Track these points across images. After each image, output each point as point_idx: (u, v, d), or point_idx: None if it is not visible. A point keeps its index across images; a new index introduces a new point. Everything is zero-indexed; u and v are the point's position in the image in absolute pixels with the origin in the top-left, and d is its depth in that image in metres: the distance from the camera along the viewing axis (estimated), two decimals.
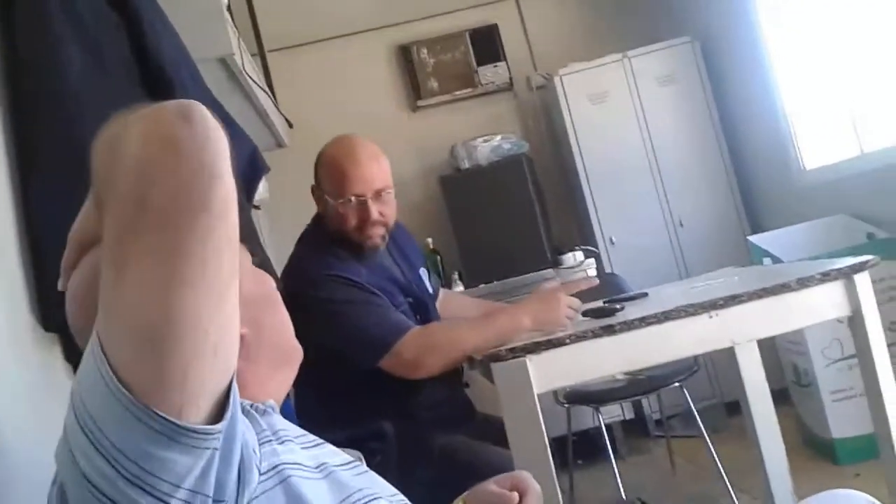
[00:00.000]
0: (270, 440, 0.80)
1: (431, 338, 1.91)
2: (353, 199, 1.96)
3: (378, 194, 1.98)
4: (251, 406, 0.83)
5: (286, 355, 0.96)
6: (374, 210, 1.97)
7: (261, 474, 0.74)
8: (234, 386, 0.70)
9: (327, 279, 1.94)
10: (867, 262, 1.84)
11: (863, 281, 1.83)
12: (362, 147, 2.01)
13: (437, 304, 2.26)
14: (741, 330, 1.88)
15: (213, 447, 0.66)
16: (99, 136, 0.73)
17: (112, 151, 0.68)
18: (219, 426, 0.66)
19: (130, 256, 0.64)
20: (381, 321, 1.91)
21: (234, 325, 0.69)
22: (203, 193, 0.64)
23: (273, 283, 1.00)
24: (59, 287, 0.85)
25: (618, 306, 1.97)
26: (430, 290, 2.23)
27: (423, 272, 2.23)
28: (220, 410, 0.68)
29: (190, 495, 0.65)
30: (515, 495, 1.02)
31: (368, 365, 1.90)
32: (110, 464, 0.64)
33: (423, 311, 2.11)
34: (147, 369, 0.64)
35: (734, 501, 2.77)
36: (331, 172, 2.00)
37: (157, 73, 1.49)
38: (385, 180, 2.00)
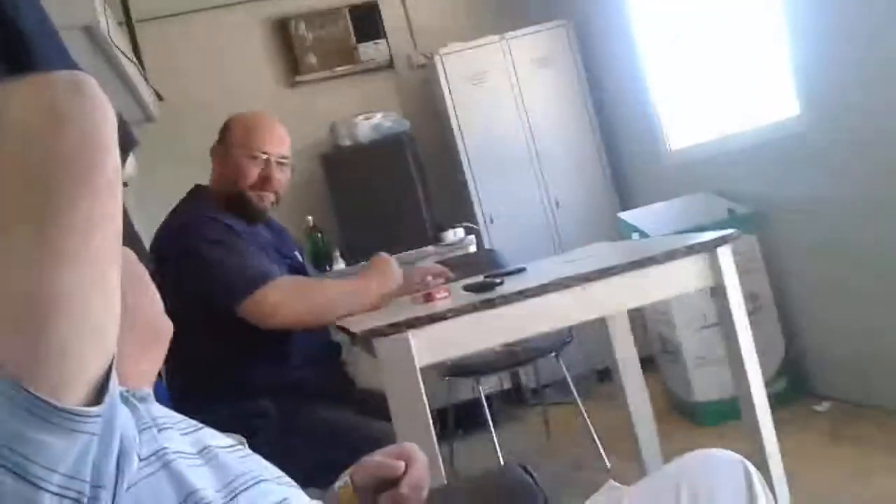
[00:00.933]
0: (150, 426, 0.78)
1: (292, 288, 1.96)
2: (260, 154, 2.06)
3: (281, 160, 2.09)
4: (128, 392, 0.80)
5: (155, 332, 0.93)
6: (276, 170, 2.08)
7: (140, 460, 0.72)
8: (114, 371, 0.67)
9: (202, 223, 1.98)
10: (728, 235, 1.94)
11: (725, 254, 1.93)
12: (271, 116, 2.18)
13: None
14: (612, 301, 1.96)
15: (91, 432, 0.64)
16: None
17: None
18: (97, 409, 0.64)
19: (6, 228, 0.61)
20: (249, 265, 1.94)
21: (115, 306, 0.67)
22: (88, 166, 0.63)
23: (137, 259, 0.97)
24: None
25: (497, 281, 2.02)
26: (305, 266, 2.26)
27: (297, 253, 2.28)
28: (97, 395, 0.65)
29: (66, 480, 0.63)
30: (402, 463, 1.04)
31: (230, 304, 1.89)
32: None
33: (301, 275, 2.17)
34: (23, 346, 0.61)
35: (606, 463, 2.91)
36: (245, 127, 2.11)
37: (18, 45, 1.40)
38: (288, 150, 2.13)
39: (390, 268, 2.10)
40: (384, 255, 2.14)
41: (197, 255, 1.91)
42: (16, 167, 0.62)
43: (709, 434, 3.05)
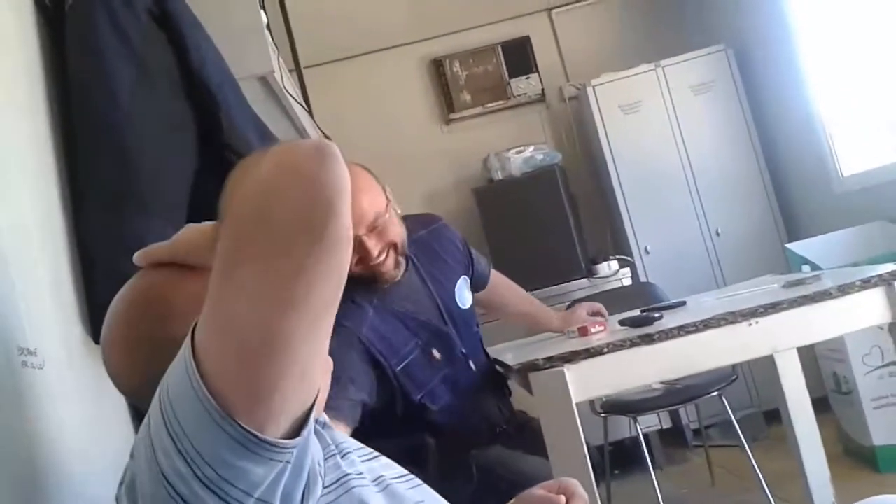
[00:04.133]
0: (334, 454, 0.83)
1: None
2: None
3: (371, 228, 1.86)
4: (315, 420, 0.85)
5: (328, 362, 0.99)
6: (373, 246, 1.86)
7: (324, 487, 0.76)
8: (316, 407, 0.72)
9: None
10: None
11: None
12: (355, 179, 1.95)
13: (487, 291, 2.22)
14: (781, 338, 1.88)
15: (287, 460, 0.69)
16: (235, 174, 0.77)
17: (243, 176, 0.71)
18: (295, 441, 0.69)
19: (240, 267, 0.67)
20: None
21: (322, 352, 0.71)
22: (320, 224, 0.67)
23: None
24: (135, 260, 0.88)
25: (656, 315, 1.98)
26: (466, 304, 2.12)
27: (461, 283, 2.14)
28: (297, 428, 0.70)
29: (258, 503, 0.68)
30: (562, 498, 1.04)
31: None
32: (189, 465, 0.67)
33: (444, 343, 2.01)
34: (237, 382, 0.66)
35: None
36: None
37: (203, 92, 1.53)
38: (375, 209, 1.86)
39: None
40: None
41: None
42: (256, 215, 0.67)
43: (887, 481, 2.83)
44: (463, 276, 2.16)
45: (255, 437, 0.66)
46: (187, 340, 0.70)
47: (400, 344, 1.93)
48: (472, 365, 2.05)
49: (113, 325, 0.87)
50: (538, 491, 1.07)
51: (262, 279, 0.66)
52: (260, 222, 0.67)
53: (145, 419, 0.73)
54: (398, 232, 1.92)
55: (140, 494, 0.72)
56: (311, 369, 0.70)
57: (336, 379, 1.76)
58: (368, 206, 1.86)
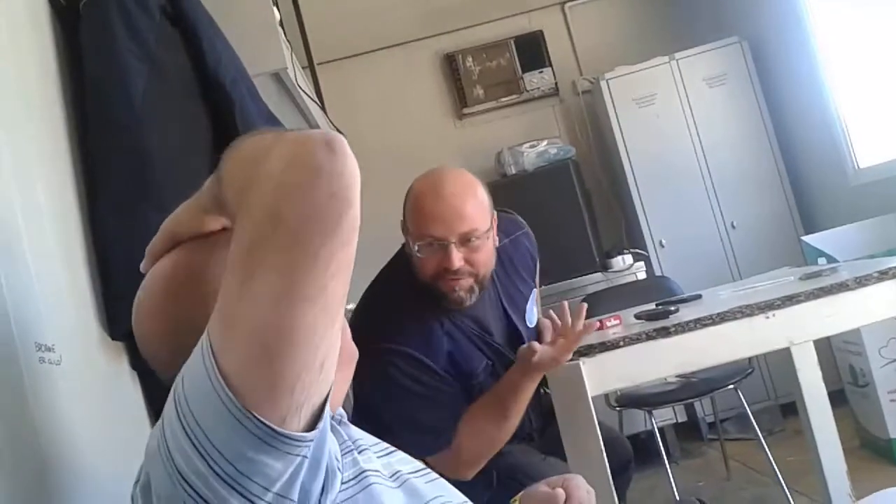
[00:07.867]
0: (351, 450, 0.83)
1: (468, 447, 1.74)
2: (433, 242, 1.69)
3: (465, 238, 1.69)
4: (331, 416, 0.85)
5: (347, 353, 0.99)
6: (457, 258, 1.68)
7: (343, 483, 0.77)
8: (330, 398, 0.72)
9: (388, 359, 1.71)
10: None
11: None
12: (451, 180, 1.74)
13: None
14: (798, 330, 1.87)
15: (304, 454, 0.69)
16: (238, 146, 0.76)
17: (254, 165, 0.71)
18: (312, 434, 0.69)
19: (258, 269, 0.67)
20: (423, 427, 1.74)
21: (338, 343, 0.72)
22: (335, 220, 0.68)
23: None
24: (142, 269, 0.89)
25: (671, 308, 1.97)
26: (533, 322, 2.00)
27: (532, 299, 2.01)
28: (313, 420, 0.70)
29: (277, 499, 0.68)
30: (561, 492, 1.07)
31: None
32: (206, 462, 0.67)
33: (506, 368, 1.88)
34: (260, 378, 0.67)
35: (791, 503, 2.73)
36: (412, 208, 1.74)
37: (217, 90, 1.53)
38: (475, 222, 1.69)
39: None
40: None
41: (370, 415, 1.58)
42: (270, 215, 0.68)
43: None
44: (534, 291, 2.03)
45: (275, 431, 0.66)
46: (204, 338, 0.70)
47: (471, 366, 1.83)
48: None
49: (145, 298, 0.87)
50: (542, 487, 1.11)
51: (281, 278, 0.66)
52: (275, 222, 0.67)
53: (160, 419, 0.74)
54: (486, 262, 1.75)
55: (155, 495, 0.73)
56: (328, 361, 0.70)
57: (412, 416, 1.70)
58: (471, 214, 1.70)
